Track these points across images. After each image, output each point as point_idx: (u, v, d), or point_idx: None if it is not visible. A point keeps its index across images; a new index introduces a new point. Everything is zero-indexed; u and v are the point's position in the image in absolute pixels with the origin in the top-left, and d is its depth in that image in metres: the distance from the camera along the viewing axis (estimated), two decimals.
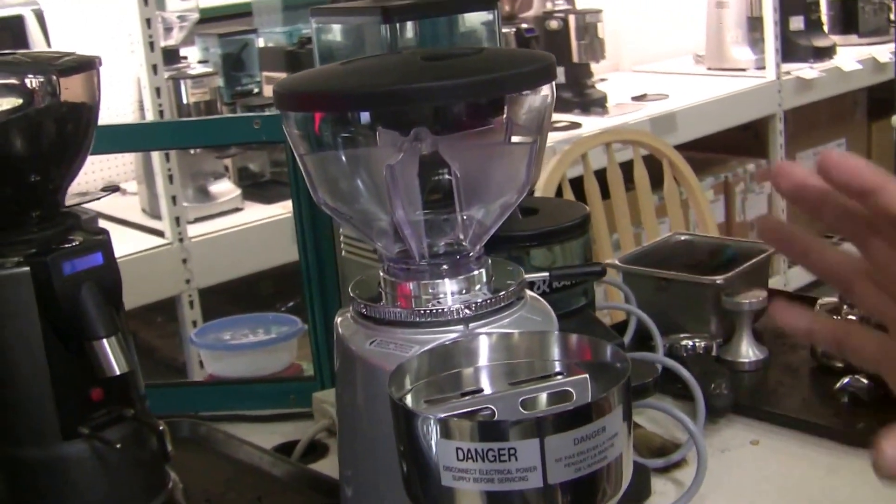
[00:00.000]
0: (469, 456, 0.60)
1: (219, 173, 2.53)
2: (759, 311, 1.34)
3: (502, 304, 0.73)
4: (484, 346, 0.70)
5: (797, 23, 3.47)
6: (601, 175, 2.29)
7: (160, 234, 2.39)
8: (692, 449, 1.12)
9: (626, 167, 2.34)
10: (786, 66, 3.39)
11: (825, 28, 3.64)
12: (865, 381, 1.23)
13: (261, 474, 1.18)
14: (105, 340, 0.97)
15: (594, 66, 3.22)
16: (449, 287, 0.73)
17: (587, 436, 0.61)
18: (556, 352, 0.69)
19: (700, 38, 3.63)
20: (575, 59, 3.14)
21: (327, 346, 1.30)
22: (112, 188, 2.69)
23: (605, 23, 3.16)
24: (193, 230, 2.43)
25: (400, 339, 0.72)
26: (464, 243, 0.74)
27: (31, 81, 0.94)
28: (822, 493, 1.11)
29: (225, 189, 2.59)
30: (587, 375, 0.66)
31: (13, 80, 0.93)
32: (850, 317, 1.29)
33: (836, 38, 3.63)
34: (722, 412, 1.22)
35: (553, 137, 2.75)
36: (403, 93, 0.66)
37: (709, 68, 3.55)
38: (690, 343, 1.32)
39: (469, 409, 0.65)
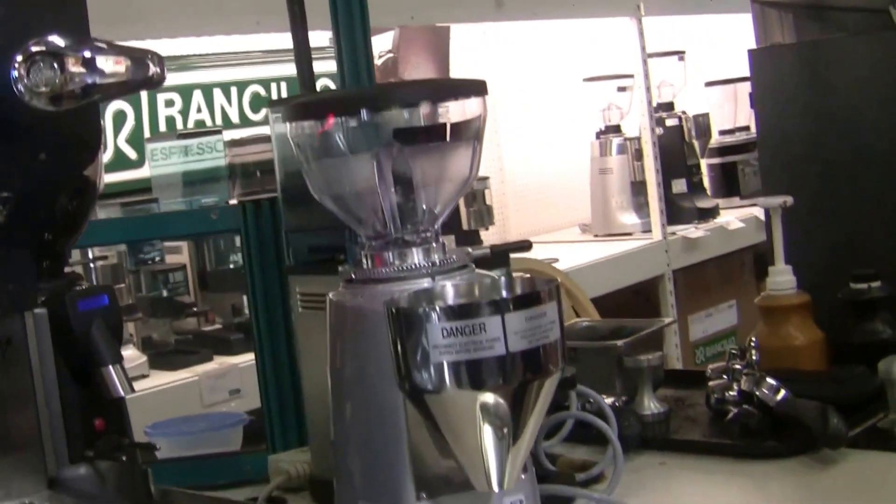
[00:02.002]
0: (451, 333, 0.94)
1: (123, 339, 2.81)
2: (657, 367, 1.70)
3: (457, 264, 1.08)
4: (448, 291, 1.05)
5: (680, 185, 3.97)
6: None
7: None
8: (608, 466, 1.45)
9: None
10: (671, 228, 3.86)
11: (707, 190, 4.15)
12: (754, 411, 1.59)
13: None
14: (111, 367, 1.28)
15: (483, 234, 3.64)
16: (416, 253, 1.08)
17: (535, 316, 0.96)
18: (504, 293, 1.04)
19: (585, 210, 4.09)
20: (464, 226, 3.55)
21: (280, 414, 1.61)
22: None
23: (491, 190, 3.60)
24: None
25: (381, 292, 1.06)
26: (424, 225, 1.10)
27: None
28: (717, 495, 1.45)
29: (129, 355, 2.87)
30: None
31: None
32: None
33: (718, 201, 4.14)
34: (633, 440, 1.55)
35: None
36: (388, 95, 1.03)
37: (596, 235, 4.00)
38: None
39: None
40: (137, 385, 2.84)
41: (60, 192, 1.10)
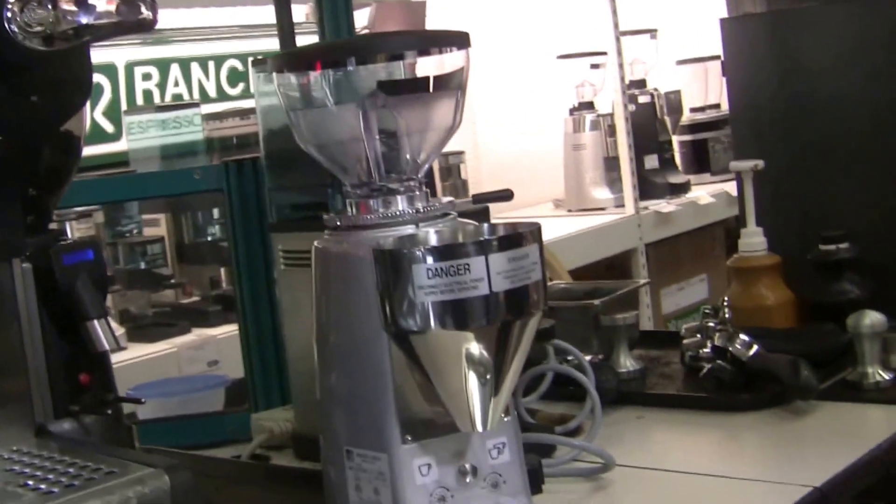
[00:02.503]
0: (436, 273, 0.96)
1: None
2: (632, 326, 1.73)
3: (440, 212, 1.10)
4: (432, 237, 1.06)
5: (652, 161, 3.99)
6: None
7: None
8: (587, 419, 1.47)
9: None
10: (643, 203, 3.88)
11: (679, 167, 4.18)
12: (727, 366, 1.61)
13: (216, 469, 1.47)
14: (97, 321, 1.29)
15: None
16: (400, 200, 1.10)
17: (518, 257, 0.98)
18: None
19: (558, 185, 4.11)
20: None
21: (262, 374, 1.63)
22: None
23: (466, 165, 3.62)
24: None
25: (366, 238, 1.07)
26: (409, 173, 1.11)
27: None
28: (693, 446, 1.48)
29: None
30: None
31: None
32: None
33: (689, 177, 4.16)
34: (610, 394, 1.57)
35: None
36: (374, 44, 1.05)
37: (569, 210, 4.02)
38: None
39: None
40: (115, 357, 2.85)
41: (50, 138, 1.11)
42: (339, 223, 1.10)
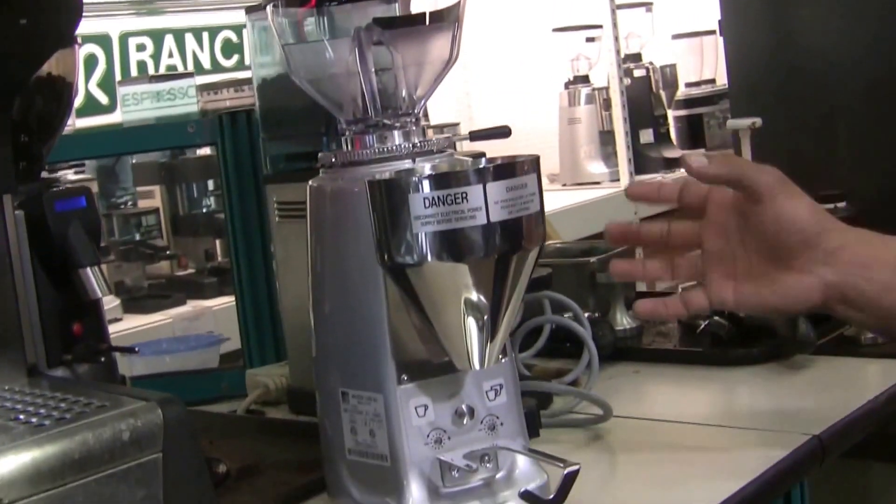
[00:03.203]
0: (433, 202, 0.94)
1: None
2: (628, 285, 1.71)
3: (437, 147, 1.08)
4: (428, 170, 1.04)
5: (647, 136, 3.98)
6: None
7: None
8: (583, 373, 1.45)
9: None
10: (639, 177, 3.86)
11: (674, 142, 4.16)
12: (724, 322, 1.59)
13: (211, 423, 1.46)
14: (89, 269, 1.27)
15: None
16: (396, 136, 1.08)
17: (515, 186, 0.96)
18: None
19: (553, 159, 4.10)
20: None
21: (257, 329, 1.61)
22: None
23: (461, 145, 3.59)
24: None
25: (362, 174, 1.05)
26: (404, 109, 1.09)
27: None
28: (691, 398, 1.47)
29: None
30: None
31: None
32: None
33: (685, 152, 4.15)
34: (607, 349, 1.55)
35: None
36: None
37: (564, 184, 4.00)
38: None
39: None
40: (111, 328, 2.84)
41: (44, 54, 1.08)
42: (334, 160, 1.08)
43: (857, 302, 1.11)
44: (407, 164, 1.06)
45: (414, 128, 1.08)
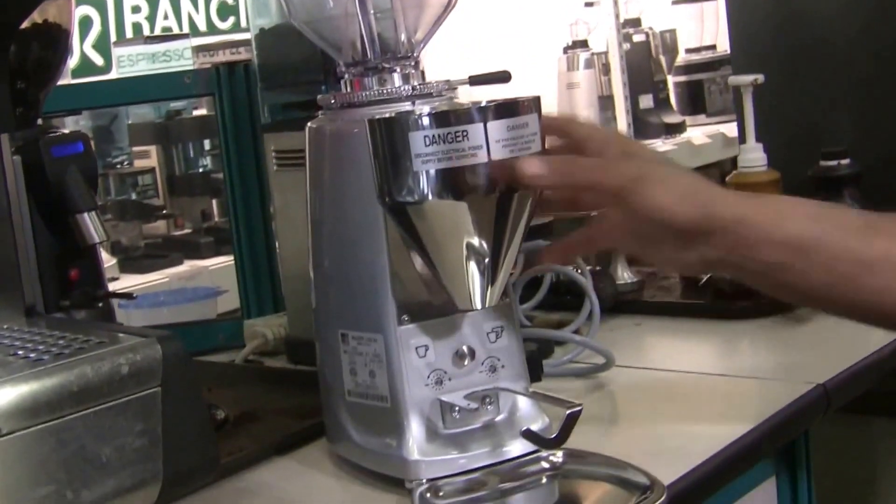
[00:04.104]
0: (433, 140, 0.94)
1: None
2: None
3: (436, 89, 1.07)
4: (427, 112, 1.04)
5: (647, 101, 3.96)
6: None
7: None
8: (584, 324, 1.45)
9: None
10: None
11: (674, 106, 4.14)
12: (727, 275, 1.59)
13: (209, 371, 1.46)
14: (87, 214, 1.27)
15: None
16: (396, 77, 1.07)
17: (516, 125, 0.96)
18: None
19: None
20: None
21: (255, 279, 1.61)
22: None
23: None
24: None
25: (361, 115, 1.04)
26: (404, 52, 1.09)
27: None
28: (693, 349, 1.47)
29: None
30: None
31: None
32: None
33: (685, 118, 4.13)
34: (608, 300, 1.55)
35: None
36: None
37: None
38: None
39: None
40: (108, 287, 2.84)
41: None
42: (333, 101, 1.08)
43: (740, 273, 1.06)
44: (406, 106, 1.05)
45: (413, 71, 1.08)
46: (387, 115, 0.99)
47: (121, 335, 0.92)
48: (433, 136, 0.94)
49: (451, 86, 1.08)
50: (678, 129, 4.02)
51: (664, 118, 4.00)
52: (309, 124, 1.09)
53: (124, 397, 0.86)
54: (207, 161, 2.98)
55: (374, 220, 1.03)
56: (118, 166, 2.96)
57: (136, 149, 3.01)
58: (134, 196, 2.90)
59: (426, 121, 0.94)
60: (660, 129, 3.97)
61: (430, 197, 0.96)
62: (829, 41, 1.97)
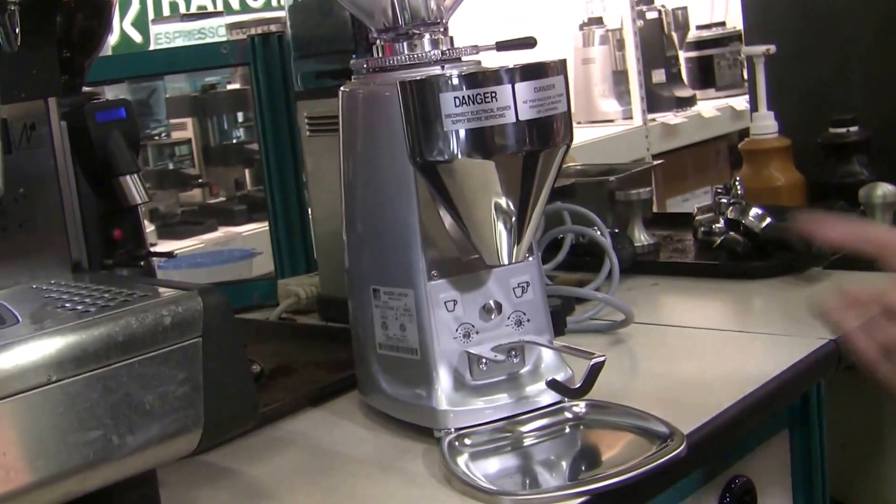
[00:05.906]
0: (463, 101, 0.92)
1: None
2: (646, 201, 1.69)
3: (464, 54, 1.06)
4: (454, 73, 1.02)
5: (659, 76, 3.94)
6: None
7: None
8: (604, 283, 1.43)
9: None
10: (651, 115, 3.83)
11: (685, 81, 4.12)
12: (740, 237, 1.57)
13: (244, 328, 1.45)
14: (129, 176, 1.26)
15: None
16: (426, 42, 1.05)
17: (543, 87, 0.94)
18: None
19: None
20: None
21: (288, 240, 1.60)
22: None
23: None
24: None
25: (393, 78, 1.03)
26: (433, 17, 1.07)
27: None
28: (708, 307, 1.45)
29: None
30: None
31: None
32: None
33: (695, 92, 4.10)
34: (627, 261, 1.54)
35: None
36: None
37: (579, 122, 3.97)
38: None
39: None
40: None
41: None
42: (365, 66, 1.06)
43: None
44: (436, 69, 1.04)
45: (442, 36, 1.06)
46: (418, 78, 0.97)
47: (163, 289, 0.91)
48: (463, 96, 0.92)
49: (478, 50, 1.07)
50: (689, 102, 4.00)
51: (676, 92, 3.98)
52: (342, 88, 1.08)
53: (167, 347, 0.85)
54: (241, 132, 2.97)
55: (405, 180, 1.02)
56: (156, 137, 2.96)
57: (173, 121, 3.00)
58: (171, 165, 2.89)
59: (456, 81, 0.93)
60: (671, 103, 3.95)
61: (459, 156, 0.94)
62: (838, 12, 1.94)
